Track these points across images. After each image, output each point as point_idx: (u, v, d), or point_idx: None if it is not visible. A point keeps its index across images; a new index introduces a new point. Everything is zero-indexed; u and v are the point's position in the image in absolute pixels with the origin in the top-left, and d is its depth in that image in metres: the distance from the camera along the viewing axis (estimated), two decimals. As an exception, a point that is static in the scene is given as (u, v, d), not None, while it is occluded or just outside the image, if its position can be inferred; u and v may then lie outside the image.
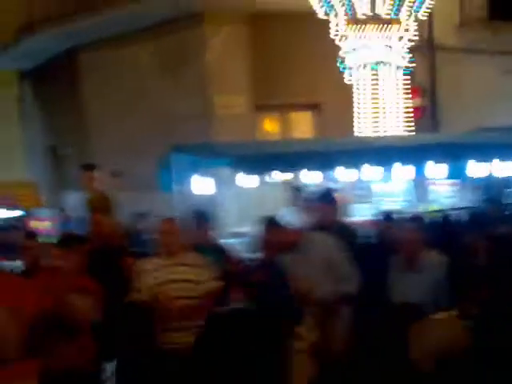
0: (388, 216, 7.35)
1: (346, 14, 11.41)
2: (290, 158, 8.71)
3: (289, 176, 9.43)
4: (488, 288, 4.82)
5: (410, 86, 12.18)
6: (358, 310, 5.95)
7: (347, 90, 11.67)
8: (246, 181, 8.68)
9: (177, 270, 5.95)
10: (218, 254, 6.75)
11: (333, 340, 5.69)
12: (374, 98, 11.60)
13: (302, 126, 13.00)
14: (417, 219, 7.04)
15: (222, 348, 1.88)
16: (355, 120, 11.52)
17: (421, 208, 9.64)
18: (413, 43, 12.15)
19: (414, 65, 11.93)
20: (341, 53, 11.61)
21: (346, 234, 6.63)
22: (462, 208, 7.94)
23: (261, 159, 8.55)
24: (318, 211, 6.75)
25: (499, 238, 5.77)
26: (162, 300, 5.74)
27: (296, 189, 9.16)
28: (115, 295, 5.67)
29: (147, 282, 5.89)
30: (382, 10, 11.52)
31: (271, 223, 6.70)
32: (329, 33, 11.46)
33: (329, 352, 5.54)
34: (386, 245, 6.77)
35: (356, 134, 11.40)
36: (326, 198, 6.99)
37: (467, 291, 5.02)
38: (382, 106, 11.58)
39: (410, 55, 11.87)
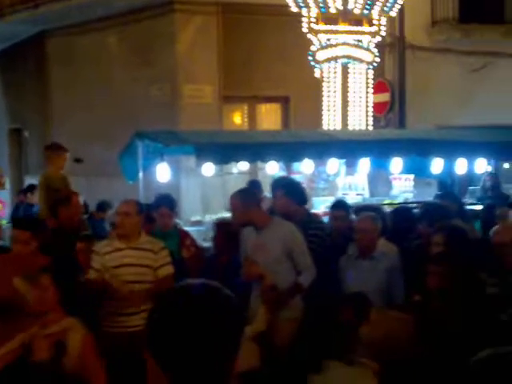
0: (340, 204, 7.41)
1: (318, 9, 11.42)
2: (254, 148, 8.68)
3: (253, 166, 9.45)
4: (438, 278, 4.85)
5: (377, 82, 12.27)
6: (309, 301, 5.98)
7: (316, 84, 11.69)
8: (210, 170, 8.64)
9: (132, 254, 5.88)
10: (177, 240, 6.73)
11: (280, 329, 5.72)
12: (342, 93, 11.65)
13: (270, 118, 13.00)
14: (372, 209, 7.07)
15: (173, 323, 1.84)
16: (323, 114, 11.55)
17: (381, 201, 9.68)
18: (383, 40, 12.22)
19: (381, 61, 11.99)
20: (312, 47, 11.63)
21: (310, 224, 6.62)
22: (419, 202, 8.00)
23: (225, 148, 8.50)
24: (281, 201, 6.72)
25: (452, 230, 5.82)
26: (115, 284, 5.69)
27: (254, 182, 9.15)
28: (64, 277, 5.63)
29: (103, 264, 5.84)
30: (354, 6, 11.56)
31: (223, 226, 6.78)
32: (300, 26, 11.47)
33: (274, 341, 5.56)
34: (338, 233, 6.79)
35: (324, 127, 11.43)
36: (289, 188, 6.96)
37: (418, 281, 5.06)
38: (350, 100, 11.64)
39: (379, 52, 11.93)
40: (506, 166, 10.66)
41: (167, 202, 6.87)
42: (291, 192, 6.75)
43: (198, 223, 8.61)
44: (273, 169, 8.97)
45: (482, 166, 9.78)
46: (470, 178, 10.64)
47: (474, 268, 5.29)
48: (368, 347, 4.54)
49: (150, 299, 5.51)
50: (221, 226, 7.02)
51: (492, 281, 5.28)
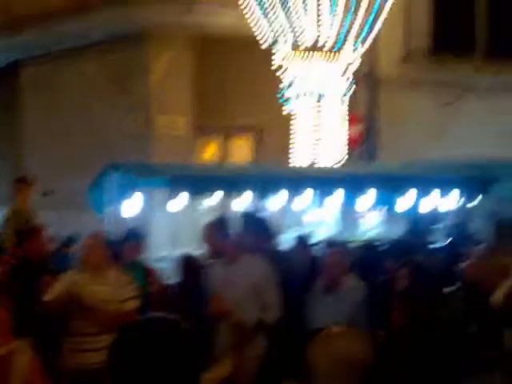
0: (301, 240, 7.48)
1: (291, 42, 11.53)
2: (227, 181, 8.72)
3: (223, 201, 9.44)
4: (404, 312, 4.89)
5: (350, 115, 12.37)
6: (274, 338, 6.00)
7: (290, 116, 11.77)
8: (183, 202, 8.64)
9: (99, 288, 5.87)
10: (143, 274, 6.73)
11: (243, 366, 5.72)
12: (314, 126, 11.73)
13: (243, 150, 13.04)
14: (340, 244, 7.14)
15: (133, 355, 1.85)
16: (294, 147, 11.60)
17: (349, 236, 9.71)
18: (356, 73, 12.34)
19: (354, 94, 12.10)
20: (284, 80, 11.72)
21: (277, 260, 6.64)
22: (387, 238, 8.08)
23: (198, 181, 8.53)
24: (248, 238, 6.75)
25: (417, 266, 5.90)
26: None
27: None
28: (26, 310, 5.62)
29: (67, 293, 5.81)
30: (327, 40, 11.68)
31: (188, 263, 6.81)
32: (272, 58, 11.57)
33: (239, 378, 5.55)
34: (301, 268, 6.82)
35: (296, 160, 11.48)
36: (257, 224, 7.01)
37: (384, 315, 5.10)
38: (321, 134, 11.72)
39: (352, 86, 12.05)
40: (474, 202, 10.73)
41: (134, 236, 6.90)
42: (257, 228, 6.80)
43: (165, 259, 8.59)
44: (243, 203, 8.98)
45: (451, 201, 9.86)
46: (437, 214, 10.69)
47: (439, 300, 5.36)
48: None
49: (113, 331, 5.50)
50: (186, 260, 7.08)
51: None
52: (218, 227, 6.20)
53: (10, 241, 8.05)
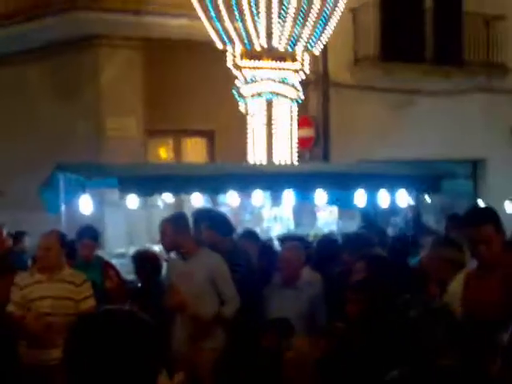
0: (247, 235, 7.52)
1: (242, 45, 11.58)
2: (179, 180, 8.68)
3: (178, 199, 9.42)
4: (357, 306, 4.90)
5: (302, 117, 12.47)
6: (231, 331, 6.00)
7: (242, 118, 11.79)
8: (134, 202, 8.58)
9: (54, 287, 5.82)
10: (99, 271, 6.66)
11: (202, 360, 5.70)
12: (267, 128, 11.80)
13: (196, 152, 13.01)
14: (297, 239, 7.18)
15: (89, 349, 1.79)
16: (249, 148, 11.64)
17: (306, 232, 9.78)
18: (308, 77, 12.46)
19: (305, 96, 12.21)
20: (237, 82, 11.76)
21: (235, 255, 6.65)
22: (343, 233, 8.17)
23: (148, 181, 8.47)
24: (206, 233, 6.74)
25: (373, 258, 5.93)
26: (30, 317, 5.58)
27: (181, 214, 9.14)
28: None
29: (23, 296, 5.73)
30: (279, 43, 11.77)
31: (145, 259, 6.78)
32: (225, 61, 11.59)
33: (196, 371, 5.54)
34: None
35: (249, 161, 11.50)
36: (213, 221, 6.99)
37: (340, 308, 5.10)
38: (275, 135, 11.79)
39: (304, 89, 12.16)
40: (427, 198, 10.92)
41: (89, 233, 6.84)
42: (215, 224, 6.81)
43: (121, 256, 8.54)
44: (198, 201, 8.96)
45: (403, 198, 10.00)
46: (393, 210, 10.85)
47: (395, 294, 5.37)
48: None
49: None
50: (142, 256, 7.06)
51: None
52: (174, 223, 6.19)
53: None
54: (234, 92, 11.72)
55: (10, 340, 5.74)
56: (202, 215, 7.13)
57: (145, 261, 7.09)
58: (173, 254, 6.45)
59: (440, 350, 4.40)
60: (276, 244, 8.37)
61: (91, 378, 1.76)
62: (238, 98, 11.79)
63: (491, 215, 4.57)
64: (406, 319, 5.12)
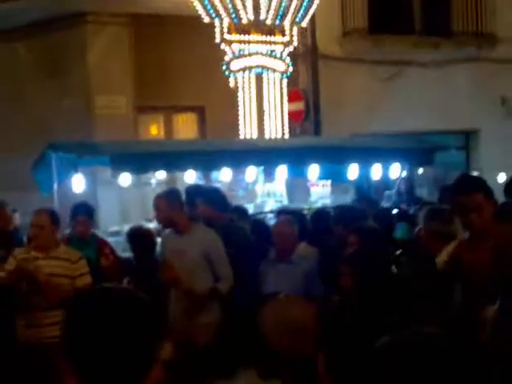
0: (238, 211, 7.52)
1: (230, 19, 11.50)
2: (171, 157, 8.65)
3: (171, 176, 9.40)
4: (353, 277, 4.92)
5: (292, 91, 12.43)
6: (226, 306, 6.02)
7: (232, 93, 11.73)
8: (126, 180, 8.55)
9: (49, 264, 5.80)
10: (95, 248, 6.65)
11: (197, 334, 5.73)
12: (257, 102, 11.76)
13: (187, 128, 12.94)
14: (292, 213, 7.18)
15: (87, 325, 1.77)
16: (240, 123, 11.60)
17: (300, 207, 9.78)
18: (296, 50, 12.40)
19: (294, 70, 12.17)
20: (225, 57, 11.70)
21: (231, 230, 6.64)
22: (336, 206, 8.16)
23: (141, 158, 8.44)
24: (201, 209, 6.73)
25: (366, 230, 5.94)
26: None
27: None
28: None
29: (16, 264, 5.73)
30: (266, 17, 11.70)
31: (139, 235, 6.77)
32: (214, 36, 11.51)
33: (192, 346, 5.56)
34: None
35: (240, 136, 11.47)
36: (208, 196, 6.98)
37: (336, 282, 5.12)
38: (265, 109, 11.76)
39: (292, 61, 12.11)
40: (420, 171, 10.93)
41: (84, 210, 6.78)
42: (211, 199, 6.79)
43: (116, 233, 8.52)
44: (191, 178, 8.94)
45: (397, 171, 10.01)
46: (386, 183, 10.86)
47: (388, 265, 5.41)
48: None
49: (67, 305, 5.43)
50: (137, 233, 7.05)
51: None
52: (168, 198, 6.17)
53: None
54: (223, 67, 11.66)
55: (8, 318, 5.74)
56: (196, 191, 7.11)
57: (139, 238, 7.09)
58: (167, 230, 6.43)
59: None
60: (271, 218, 8.37)
61: (89, 355, 1.76)
62: (228, 73, 11.74)
63: (481, 183, 4.59)
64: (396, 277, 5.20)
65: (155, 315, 1.86)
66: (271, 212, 9.36)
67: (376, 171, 9.78)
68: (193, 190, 7.13)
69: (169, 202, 6.10)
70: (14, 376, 4.91)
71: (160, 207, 6.13)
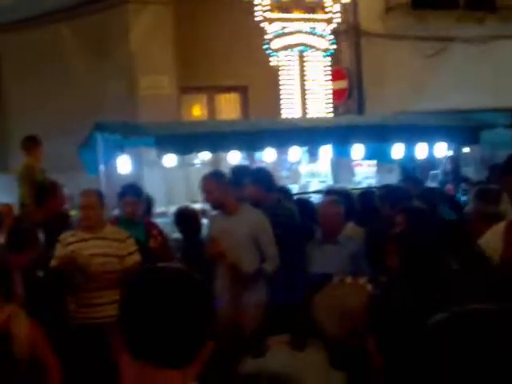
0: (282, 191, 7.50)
1: (272, -3, 11.45)
2: (216, 138, 8.65)
3: (215, 157, 9.42)
4: (399, 256, 4.90)
5: (334, 69, 12.34)
6: (274, 287, 6.04)
7: (274, 72, 11.69)
8: (171, 161, 8.59)
9: (98, 244, 5.86)
10: (143, 229, 6.68)
11: (244, 314, 5.75)
12: (300, 81, 11.70)
13: (229, 108, 12.94)
14: (341, 193, 7.13)
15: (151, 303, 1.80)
16: (282, 102, 11.56)
17: (344, 187, 9.73)
18: (338, 27, 12.28)
19: (337, 48, 12.07)
20: (267, 36, 11.64)
21: (278, 211, 6.62)
22: (382, 186, 8.09)
23: (185, 139, 8.45)
24: (249, 189, 6.71)
25: (413, 211, 5.90)
26: (82, 259, 5.62)
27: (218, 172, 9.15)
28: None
29: (66, 254, 5.78)
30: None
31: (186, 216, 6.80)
32: (254, 14, 11.46)
33: (240, 325, 5.59)
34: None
35: (283, 115, 11.44)
36: (256, 176, 6.96)
37: (381, 261, 5.11)
38: (308, 88, 11.69)
39: (334, 39, 12.01)
40: (466, 149, 10.79)
41: (133, 191, 6.76)
42: (258, 179, 6.76)
43: (162, 215, 8.56)
44: (235, 158, 8.94)
45: (442, 150, 9.88)
46: (431, 163, 10.74)
47: (436, 247, 5.37)
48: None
49: (118, 286, 5.52)
50: (184, 214, 7.08)
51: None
52: (217, 179, 6.16)
53: (28, 201, 7.92)
54: (266, 46, 11.61)
55: (60, 299, 5.83)
56: (243, 171, 7.09)
57: (186, 219, 7.11)
58: (215, 212, 6.44)
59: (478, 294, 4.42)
60: (316, 198, 8.33)
61: (144, 334, 1.77)
62: (270, 52, 11.69)
63: None
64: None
65: (209, 294, 1.87)
66: (316, 192, 9.32)
67: (421, 150, 9.67)
68: (239, 171, 7.10)
69: (218, 183, 6.10)
70: (67, 355, 5.00)
71: (210, 188, 6.12)
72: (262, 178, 6.84)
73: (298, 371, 4.22)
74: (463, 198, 8.63)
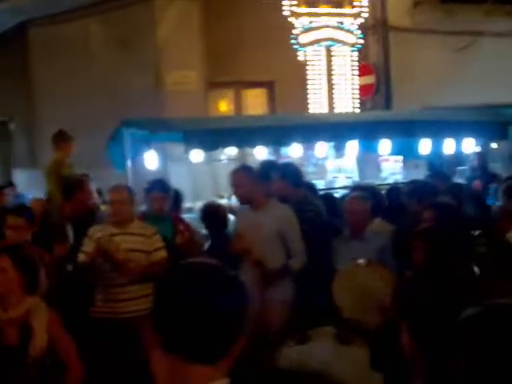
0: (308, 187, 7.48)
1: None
2: (242, 133, 8.64)
3: (241, 152, 9.42)
4: (423, 253, 4.88)
5: (362, 65, 12.29)
6: (300, 283, 6.03)
7: (301, 68, 11.67)
8: (198, 156, 8.61)
9: (126, 239, 5.89)
10: (170, 225, 6.70)
11: (270, 310, 5.74)
12: (327, 76, 11.68)
13: (256, 103, 12.93)
14: (363, 189, 7.10)
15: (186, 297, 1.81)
16: (309, 97, 11.54)
17: (371, 183, 9.68)
18: (366, 22, 12.23)
19: (364, 43, 12.02)
20: (294, 31, 11.63)
21: (305, 206, 6.61)
22: (409, 182, 8.05)
23: (213, 134, 8.46)
24: (277, 184, 6.70)
25: (442, 206, 5.86)
26: (113, 248, 5.66)
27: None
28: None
29: (94, 248, 5.81)
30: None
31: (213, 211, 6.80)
32: (283, 9, 11.44)
33: (264, 323, 5.58)
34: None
35: (310, 111, 11.41)
36: (285, 171, 6.95)
37: (407, 256, 5.09)
38: (335, 83, 11.66)
39: (362, 34, 11.96)
40: (494, 145, 10.68)
41: (160, 186, 6.78)
42: (287, 174, 6.74)
43: (188, 210, 8.59)
44: (261, 154, 8.94)
45: (470, 145, 9.80)
46: (459, 158, 10.66)
47: (464, 244, 5.34)
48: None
49: (144, 279, 5.57)
50: (210, 209, 7.10)
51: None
52: (248, 174, 6.15)
53: (57, 196, 8.00)
54: (293, 40, 11.59)
55: (88, 293, 5.88)
56: (272, 166, 7.07)
57: (213, 213, 7.12)
58: (242, 207, 6.42)
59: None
60: (343, 194, 8.30)
61: (179, 329, 1.78)
62: (297, 47, 11.67)
63: None
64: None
65: (242, 289, 1.88)
66: (342, 188, 9.29)
67: (448, 146, 9.59)
68: (268, 165, 7.08)
69: (247, 178, 6.08)
70: (93, 350, 5.05)
71: (239, 182, 6.10)
72: (290, 173, 6.82)
73: (341, 364, 4.21)
74: (492, 196, 8.56)
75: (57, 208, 7.76)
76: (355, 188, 7.67)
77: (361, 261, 5.48)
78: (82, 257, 5.84)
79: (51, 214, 8.02)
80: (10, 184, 13.12)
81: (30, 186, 12.81)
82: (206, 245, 7.07)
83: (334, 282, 5.22)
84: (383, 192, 7.84)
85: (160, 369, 1.82)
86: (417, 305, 4.45)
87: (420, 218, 5.93)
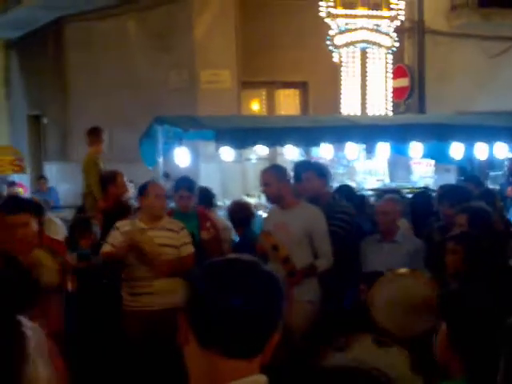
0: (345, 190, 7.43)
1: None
2: (273, 132, 8.66)
3: (272, 152, 9.43)
4: (457, 257, 4.83)
5: (396, 67, 12.24)
6: (327, 285, 6.00)
7: (335, 69, 11.65)
8: (229, 155, 8.64)
9: (155, 234, 5.93)
10: (196, 222, 6.73)
11: (295, 311, 5.70)
12: (361, 78, 11.65)
13: (289, 104, 12.95)
14: (393, 192, 7.06)
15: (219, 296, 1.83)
16: (342, 99, 11.52)
17: (401, 186, 9.65)
18: (402, 25, 12.17)
19: (400, 45, 11.96)
20: (330, 32, 11.62)
21: (336, 208, 6.59)
22: (441, 185, 7.99)
23: (244, 133, 8.48)
24: (313, 183, 6.69)
25: (475, 211, 5.78)
26: (145, 242, 5.70)
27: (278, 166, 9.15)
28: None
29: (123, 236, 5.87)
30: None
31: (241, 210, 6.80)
32: (318, 10, 11.44)
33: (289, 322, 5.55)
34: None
35: (342, 112, 11.39)
36: (320, 170, 6.93)
37: (441, 261, 5.03)
38: (369, 85, 11.63)
39: (398, 37, 11.91)
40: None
41: (186, 184, 6.82)
42: (323, 174, 6.73)
43: (218, 208, 8.62)
44: (292, 154, 8.94)
45: (503, 151, 9.69)
46: (491, 164, 10.57)
47: (498, 249, 5.27)
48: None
49: (171, 274, 5.61)
50: (238, 207, 7.12)
51: None
52: (278, 173, 6.15)
53: (97, 190, 8.08)
54: (328, 42, 11.59)
55: (114, 286, 5.93)
56: (306, 165, 7.06)
57: (240, 211, 7.15)
58: (272, 206, 6.42)
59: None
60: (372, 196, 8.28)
61: (218, 324, 1.80)
62: (332, 49, 11.66)
63: None
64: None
65: (279, 286, 1.88)
66: (371, 190, 9.26)
67: (481, 150, 9.50)
68: (302, 166, 7.07)
69: (278, 177, 6.08)
70: (118, 342, 5.10)
71: (269, 181, 6.11)
72: (325, 172, 6.82)
73: (383, 368, 4.18)
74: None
75: (92, 202, 7.88)
76: (384, 192, 7.61)
77: (402, 270, 5.39)
78: (106, 247, 5.89)
79: (84, 209, 8.14)
80: (42, 177, 13.36)
81: (61, 179, 12.99)
82: (233, 242, 7.10)
83: (373, 291, 5.14)
84: (410, 196, 7.77)
85: (195, 363, 1.84)
86: (477, 311, 4.40)
87: (452, 222, 5.85)
